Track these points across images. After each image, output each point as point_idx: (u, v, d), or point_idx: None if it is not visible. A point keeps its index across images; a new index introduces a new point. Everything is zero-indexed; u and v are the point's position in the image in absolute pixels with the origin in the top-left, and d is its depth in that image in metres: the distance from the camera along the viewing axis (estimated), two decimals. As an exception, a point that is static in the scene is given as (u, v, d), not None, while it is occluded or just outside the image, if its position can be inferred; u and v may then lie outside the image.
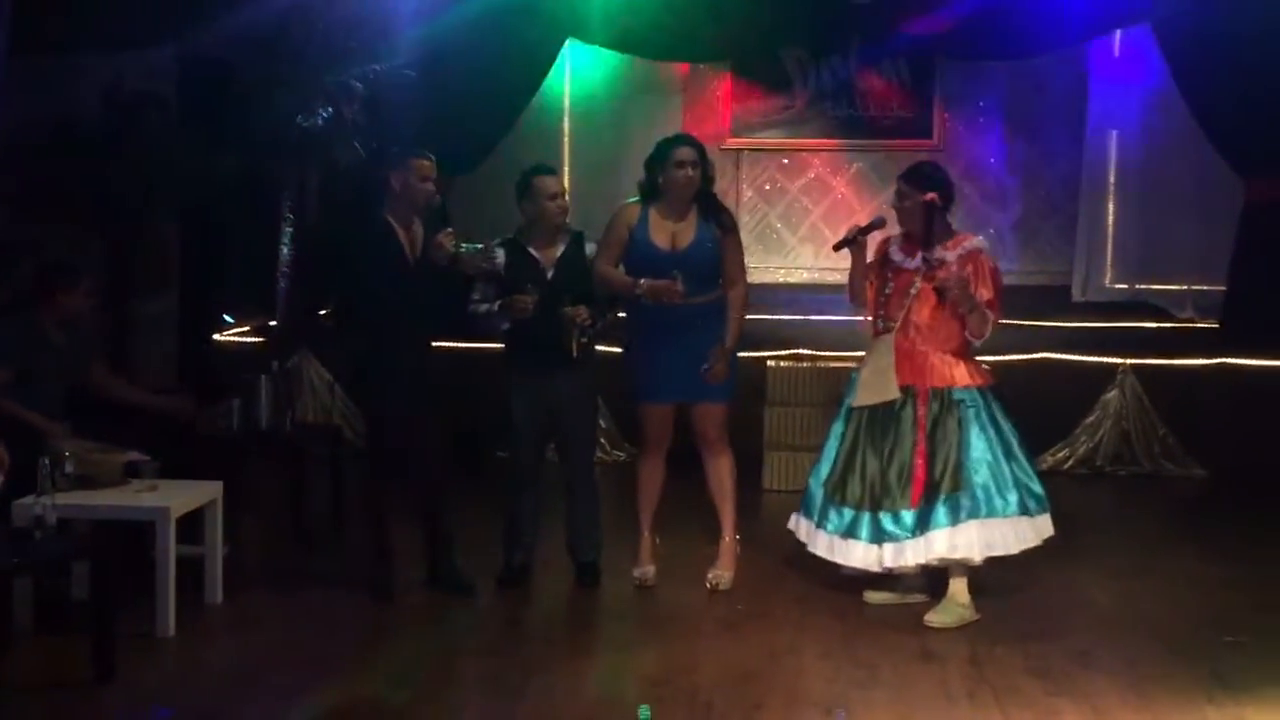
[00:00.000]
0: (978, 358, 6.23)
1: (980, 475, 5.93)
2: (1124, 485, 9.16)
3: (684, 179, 6.27)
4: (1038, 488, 6.04)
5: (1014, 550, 5.99)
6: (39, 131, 9.15)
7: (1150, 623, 6.14)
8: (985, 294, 5.97)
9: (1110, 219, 11.64)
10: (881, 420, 6.08)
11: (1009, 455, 5.99)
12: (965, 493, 5.91)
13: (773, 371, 9.15)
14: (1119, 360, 9.42)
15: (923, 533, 5.93)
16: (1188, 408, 9.30)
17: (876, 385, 6.08)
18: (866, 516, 6.03)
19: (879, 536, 6.01)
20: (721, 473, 6.52)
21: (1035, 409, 9.10)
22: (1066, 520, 8.03)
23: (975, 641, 5.81)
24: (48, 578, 5.90)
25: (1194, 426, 9.28)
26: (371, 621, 6.13)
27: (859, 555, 6.06)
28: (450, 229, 6.24)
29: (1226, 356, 9.43)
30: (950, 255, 6.00)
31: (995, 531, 5.93)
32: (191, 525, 6.17)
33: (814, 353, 9.46)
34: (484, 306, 6.38)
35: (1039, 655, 5.66)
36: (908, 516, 5.97)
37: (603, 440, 9.13)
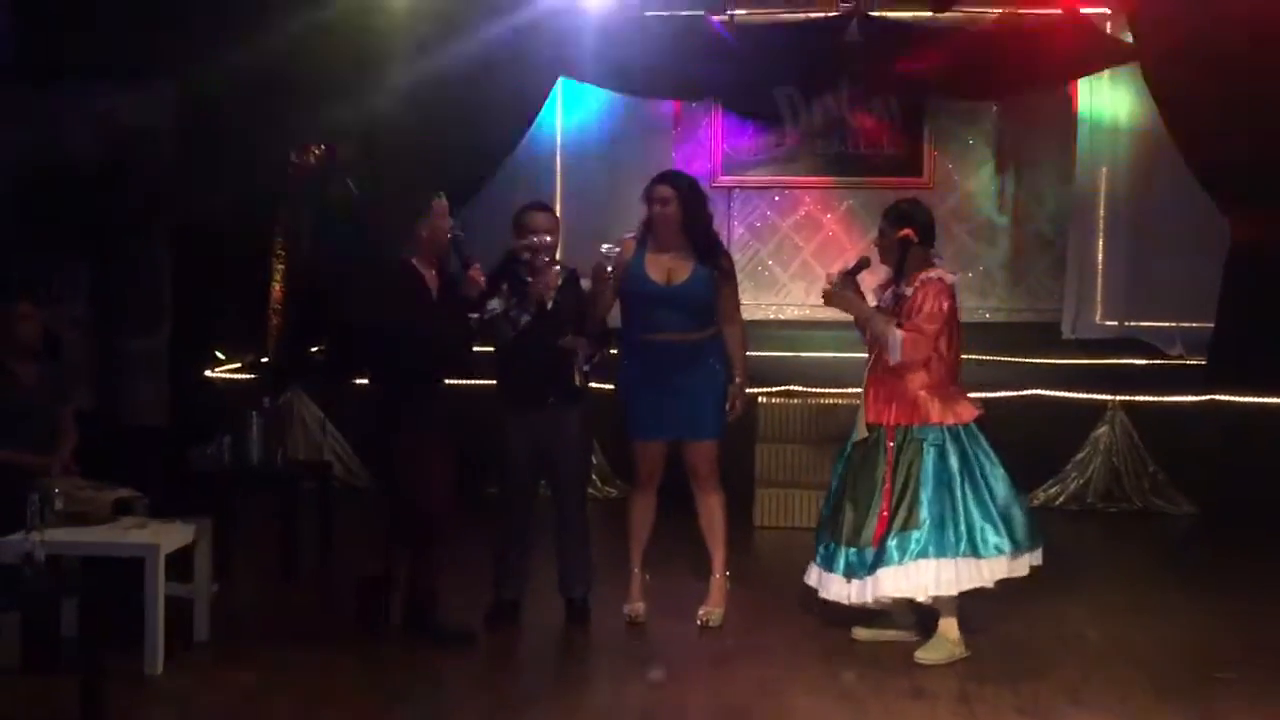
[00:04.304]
0: (969, 394, 6.22)
1: (934, 514, 5.92)
2: (1114, 522, 9.16)
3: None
4: (1000, 531, 5.95)
5: (954, 591, 5.97)
6: (33, 164, 9.18)
7: (1141, 660, 6.13)
8: (917, 319, 5.93)
9: (1099, 256, 11.69)
10: (865, 456, 6.11)
11: (974, 495, 5.96)
12: (918, 530, 5.91)
13: (764, 408, 9.16)
14: (1109, 397, 9.44)
15: (875, 569, 5.94)
16: (1177, 444, 9.31)
17: (860, 422, 6.14)
18: (844, 551, 6.05)
19: (849, 571, 6.03)
20: (713, 510, 6.53)
21: (1026, 445, 9.11)
22: (1057, 557, 8.03)
23: (965, 679, 5.81)
24: (36, 615, 5.87)
25: (1184, 463, 9.30)
26: (360, 658, 6.10)
27: (836, 588, 6.08)
28: (477, 263, 6.17)
29: (1215, 393, 9.45)
30: (908, 290, 6.03)
31: (944, 570, 5.91)
32: (181, 562, 6.16)
33: (805, 389, 9.47)
34: (498, 304, 6.21)
35: (1029, 693, 5.65)
36: (869, 553, 5.98)
37: (594, 476, 9.13)
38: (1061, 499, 9.35)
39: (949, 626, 6.05)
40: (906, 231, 6.06)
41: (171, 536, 6.01)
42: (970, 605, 6.12)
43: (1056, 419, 9.42)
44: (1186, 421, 9.38)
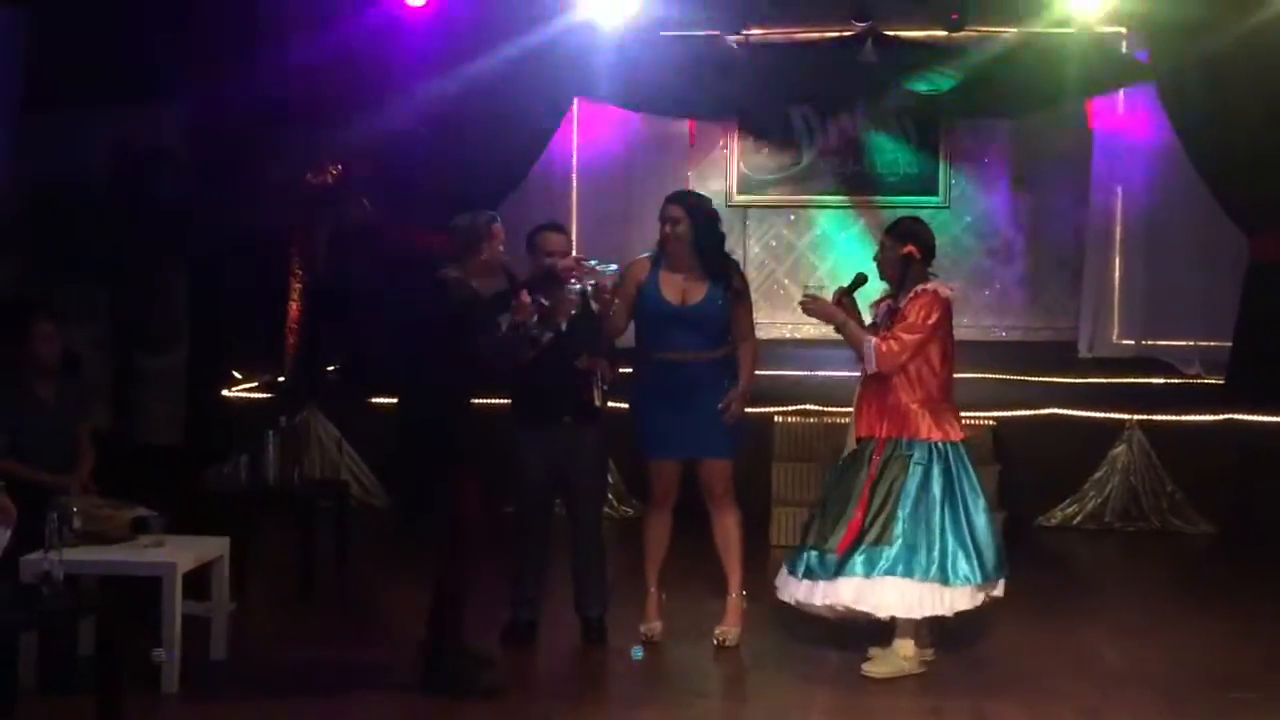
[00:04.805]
0: (964, 413, 6.20)
1: (908, 532, 5.89)
2: (1132, 541, 9.14)
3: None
4: (971, 560, 5.89)
5: (915, 615, 5.93)
6: (50, 186, 9.22)
7: (1157, 680, 6.10)
8: (896, 328, 5.94)
9: (1116, 275, 11.67)
10: (849, 467, 6.12)
11: (952, 521, 5.92)
12: (889, 547, 5.89)
13: (780, 427, 9.15)
14: (1126, 416, 9.42)
15: (835, 577, 5.92)
16: (1195, 464, 9.29)
17: (850, 436, 6.16)
18: (807, 553, 6.04)
19: (808, 572, 6.01)
20: (728, 529, 6.52)
21: (1043, 464, 9.15)
22: (1074, 576, 8.05)
23: (982, 698, 5.78)
24: (54, 634, 5.89)
25: (1202, 482, 9.27)
26: (376, 678, 6.10)
27: (791, 589, 6.08)
28: (525, 287, 6.13)
29: (1233, 412, 9.43)
30: (902, 304, 6.04)
31: (909, 592, 5.87)
32: (198, 581, 6.17)
33: (821, 408, 9.46)
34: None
35: (1046, 712, 5.63)
36: (831, 559, 5.95)
37: (610, 495, 9.12)
38: (1079, 518, 9.33)
39: (903, 645, 6.01)
40: (910, 249, 6.08)
41: (188, 555, 6.02)
42: (986, 623, 6.10)
43: (1074, 438, 9.41)
44: (1204, 440, 9.35)
